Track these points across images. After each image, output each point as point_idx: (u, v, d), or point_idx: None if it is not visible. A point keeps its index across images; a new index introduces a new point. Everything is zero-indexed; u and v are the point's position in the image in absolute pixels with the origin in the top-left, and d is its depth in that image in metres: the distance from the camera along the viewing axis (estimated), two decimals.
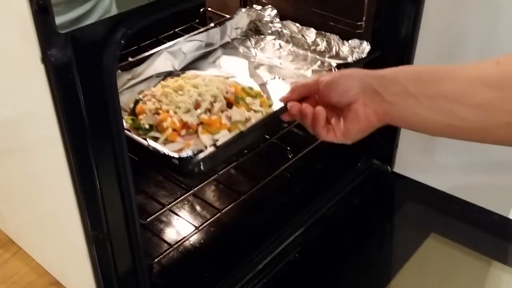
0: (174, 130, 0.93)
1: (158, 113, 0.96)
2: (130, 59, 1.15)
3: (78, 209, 0.68)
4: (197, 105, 0.96)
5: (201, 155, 0.80)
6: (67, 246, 0.79)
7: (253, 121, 0.93)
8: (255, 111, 0.99)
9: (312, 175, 1.25)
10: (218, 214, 1.02)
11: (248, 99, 1.01)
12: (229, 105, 0.98)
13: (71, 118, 0.61)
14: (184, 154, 0.80)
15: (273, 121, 0.89)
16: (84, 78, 0.60)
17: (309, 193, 1.19)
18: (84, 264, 0.74)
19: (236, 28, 1.30)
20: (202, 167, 0.81)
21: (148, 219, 0.89)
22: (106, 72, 0.62)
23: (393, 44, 1.08)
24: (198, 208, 1.14)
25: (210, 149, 0.82)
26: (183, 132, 0.93)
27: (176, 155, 0.80)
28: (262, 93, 1.07)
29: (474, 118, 0.62)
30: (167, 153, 0.80)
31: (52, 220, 0.81)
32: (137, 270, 0.79)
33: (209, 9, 1.35)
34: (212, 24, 1.27)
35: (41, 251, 0.94)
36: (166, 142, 0.92)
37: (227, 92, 0.99)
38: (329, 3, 1.15)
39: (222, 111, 0.96)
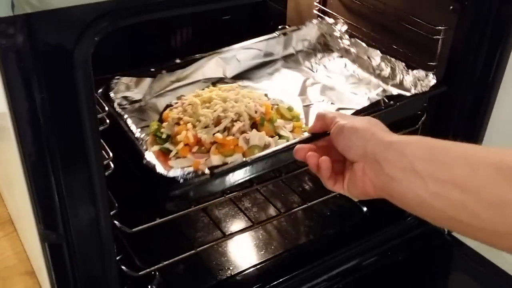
0: (187, 145, 0.85)
1: (179, 123, 0.89)
2: (177, 60, 1.09)
3: (31, 204, 0.63)
4: (218, 122, 0.88)
5: (194, 181, 0.72)
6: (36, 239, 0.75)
7: (272, 148, 0.83)
8: (280, 136, 0.89)
9: (354, 217, 1.09)
10: (222, 238, 0.91)
11: (280, 122, 0.91)
12: (255, 125, 0.89)
13: (23, 109, 0.56)
14: (172, 173, 0.73)
15: (286, 154, 0.79)
16: (45, 71, 0.55)
17: (346, 237, 1.05)
18: (41, 262, 0.70)
19: (303, 40, 1.20)
20: (192, 194, 0.74)
21: (134, 229, 0.77)
22: (77, 69, 0.56)
23: (468, 84, 0.93)
24: (204, 227, 1.03)
25: (204, 176, 0.73)
26: (195, 149, 0.85)
27: (164, 173, 0.73)
28: (300, 116, 0.96)
29: (488, 218, 0.48)
30: (157, 170, 0.73)
31: (24, 210, 0.78)
32: (109, 282, 0.72)
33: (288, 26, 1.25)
34: (276, 33, 1.18)
35: (26, 237, 0.93)
36: (178, 156, 0.85)
37: (256, 112, 0.89)
38: (403, 38, 1.02)
39: (243, 132, 0.86)
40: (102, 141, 0.61)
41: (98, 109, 0.61)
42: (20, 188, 0.63)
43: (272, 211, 1.06)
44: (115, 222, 0.71)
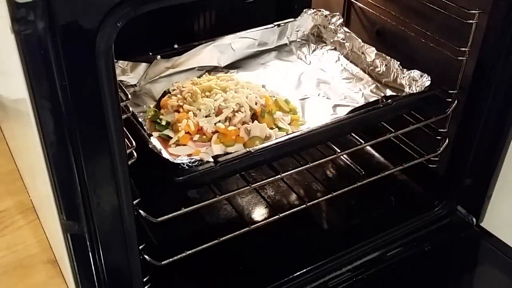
0: (187, 133, 0.86)
1: (178, 111, 0.90)
2: (176, 46, 1.10)
3: (52, 194, 0.62)
4: (219, 111, 0.89)
5: (199, 168, 0.73)
6: (58, 229, 0.74)
7: (273, 139, 0.84)
8: (279, 128, 0.90)
9: (380, 207, 1.06)
10: (245, 229, 0.88)
11: (278, 114, 0.92)
12: (255, 117, 0.90)
13: (44, 97, 0.55)
14: (179, 160, 0.73)
15: (290, 146, 0.80)
16: (66, 59, 0.54)
17: (370, 227, 1.02)
18: (63, 252, 0.70)
19: (297, 31, 1.21)
20: (194, 181, 0.74)
21: (160, 219, 0.76)
22: (99, 56, 0.55)
23: (502, 72, 0.90)
24: (227, 217, 1.02)
25: (209, 164, 0.74)
26: (196, 137, 0.86)
27: (171, 159, 0.74)
28: (297, 110, 0.97)
29: None
30: (163, 155, 0.74)
31: (46, 199, 0.77)
32: (131, 272, 0.72)
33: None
34: (271, 25, 1.18)
35: (48, 226, 0.92)
36: (178, 144, 0.86)
37: (256, 103, 0.91)
38: (434, 22, 0.98)
39: (243, 123, 0.88)
40: (125, 129, 0.61)
41: (122, 96, 0.60)
42: (41, 177, 0.63)
43: (295, 199, 1.04)
44: (141, 211, 0.70)
